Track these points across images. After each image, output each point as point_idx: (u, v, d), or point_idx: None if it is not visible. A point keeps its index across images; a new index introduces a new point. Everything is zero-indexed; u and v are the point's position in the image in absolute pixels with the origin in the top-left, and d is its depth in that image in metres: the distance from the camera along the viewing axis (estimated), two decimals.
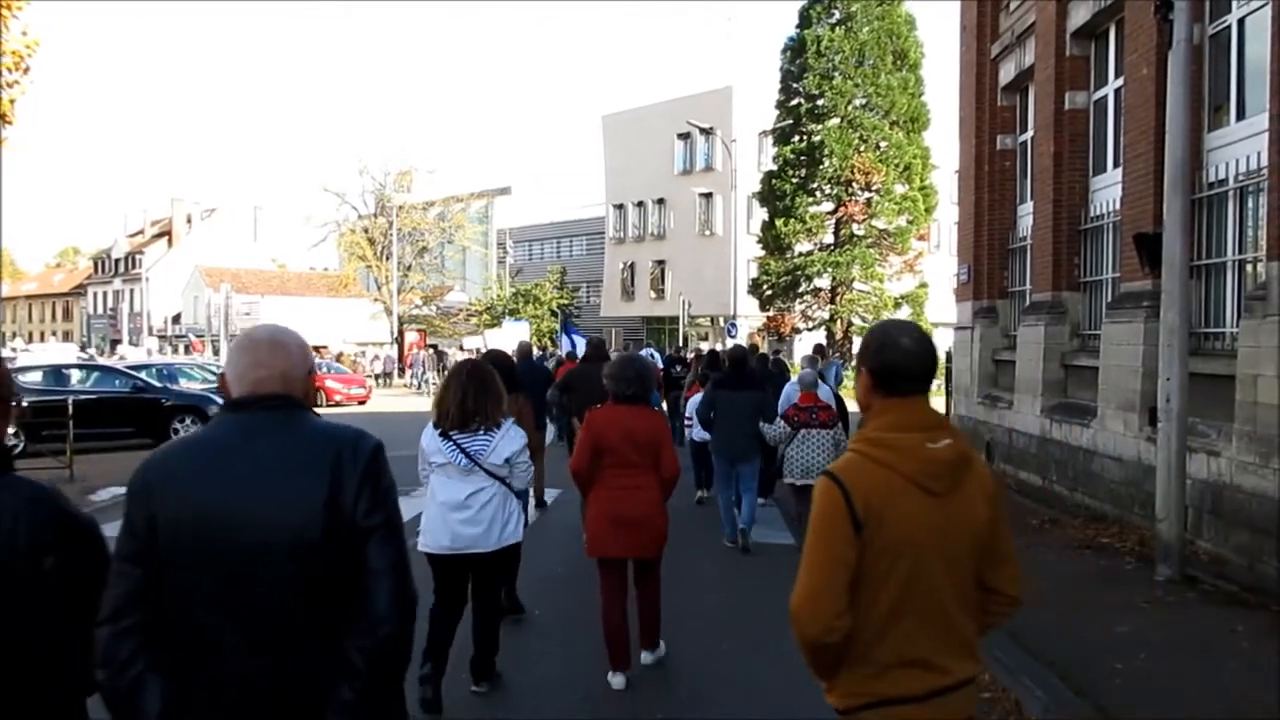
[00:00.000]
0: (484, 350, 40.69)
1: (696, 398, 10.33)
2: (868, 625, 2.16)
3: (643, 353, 14.20)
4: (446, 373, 5.76)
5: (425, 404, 23.51)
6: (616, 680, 5.18)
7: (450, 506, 4.81)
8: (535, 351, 16.40)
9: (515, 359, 8.61)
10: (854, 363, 2.50)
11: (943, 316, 32.41)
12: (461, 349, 38.37)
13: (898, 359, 2.27)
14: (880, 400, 2.30)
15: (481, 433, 4.82)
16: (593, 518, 5.27)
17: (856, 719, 2.21)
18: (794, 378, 10.66)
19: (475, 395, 4.84)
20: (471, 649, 4.99)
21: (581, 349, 22.18)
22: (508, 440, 4.86)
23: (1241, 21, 8.15)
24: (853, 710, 2.21)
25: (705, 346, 24.67)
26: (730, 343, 26.12)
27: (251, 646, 1.96)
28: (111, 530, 2.04)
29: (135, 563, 1.99)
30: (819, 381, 9.07)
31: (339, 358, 43.47)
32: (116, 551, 2.03)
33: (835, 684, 2.23)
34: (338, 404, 29.86)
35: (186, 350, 48.44)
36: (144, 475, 2.05)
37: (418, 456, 5.00)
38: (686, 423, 11.51)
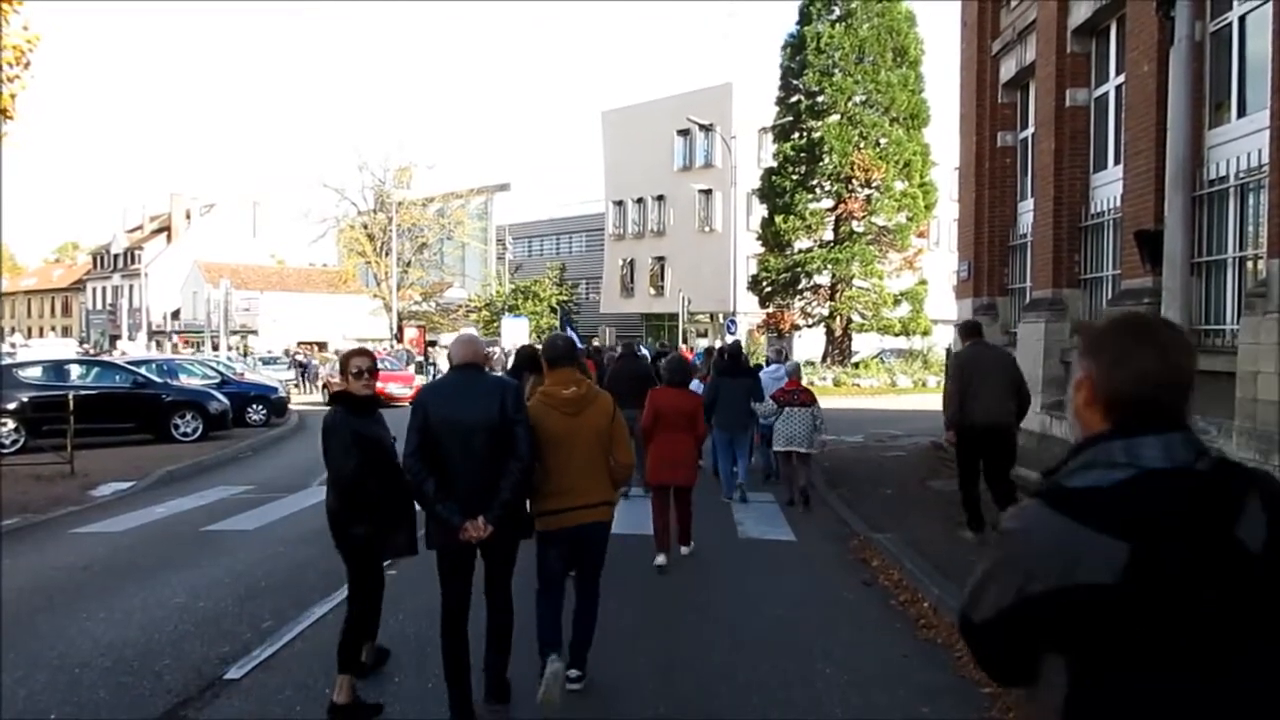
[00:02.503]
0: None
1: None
2: (543, 474, 4.74)
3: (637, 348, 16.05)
4: None
5: None
6: (660, 559, 7.70)
7: None
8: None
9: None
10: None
11: (942, 313, 32.44)
12: (432, 344, 38.42)
13: (552, 352, 5.03)
14: (549, 371, 5.00)
15: None
16: (651, 459, 7.90)
17: (539, 522, 4.81)
18: (769, 367, 12.89)
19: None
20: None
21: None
22: None
23: (1243, 19, 8.15)
24: (536, 515, 4.81)
25: (704, 343, 24.88)
26: (730, 339, 26.65)
27: (466, 467, 4.47)
28: None
29: (421, 433, 4.48)
30: (799, 370, 11.71)
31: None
32: (411, 426, 4.51)
33: (534, 503, 4.81)
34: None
35: (183, 347, 48.40)
36: (422, 395, 4.76)
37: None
38: None
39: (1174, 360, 1.55)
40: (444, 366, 36.46)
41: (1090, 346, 1.62)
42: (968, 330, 8.92)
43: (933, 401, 21.42)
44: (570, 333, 25.31)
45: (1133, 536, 1.42)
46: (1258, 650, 1.41)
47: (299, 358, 39.03)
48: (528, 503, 4.81)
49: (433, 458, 4.45)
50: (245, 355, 39.95)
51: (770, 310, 36.37)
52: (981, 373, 8.18)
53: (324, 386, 32.02)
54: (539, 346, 8.38)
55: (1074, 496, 1.49)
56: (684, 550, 8.08)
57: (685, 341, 35.81)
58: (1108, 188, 10.61)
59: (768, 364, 13.44)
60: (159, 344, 57.42)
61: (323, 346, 52.46)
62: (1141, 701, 1.41)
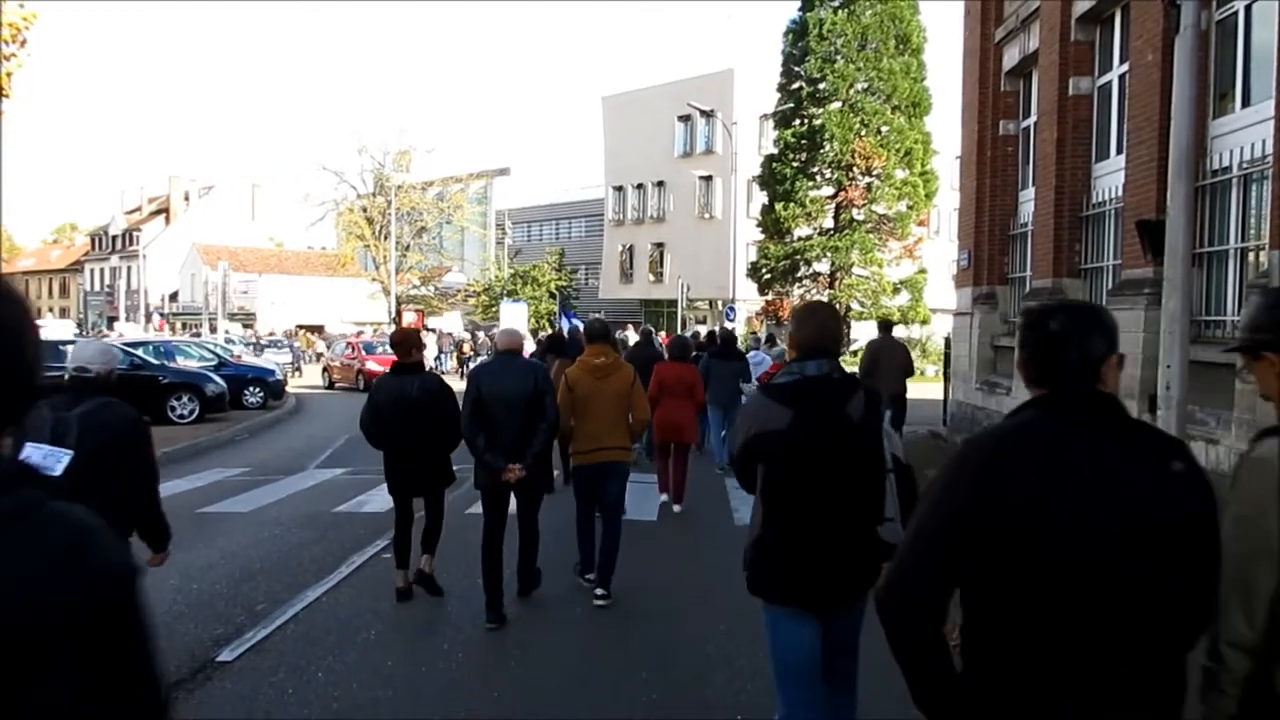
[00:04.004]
0: (443, 330, 42.48)
1: None
2: (577, 422, 6.32)
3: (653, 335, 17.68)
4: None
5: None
6: (663, 497, 9.66)
7: None
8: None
9: (570, 338, 12.73)
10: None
11: (942, 302, 32.35)
12: (427, 328, 38.47)
13: (591, 331, 6.81)
14: (588, 344, 6.62)
15: None
16: (656, 422, 9.12)
17: (573, 458, 6.60)
18: (750, 353, 14.28)
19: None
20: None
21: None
22: None
23: (1249, 8, 8.10)
24: (571, 454, 6.66)
25: (703, 330, 25.00)
26: (729, 325, 26.95)
27: (508, 426, 5.96)
28: None
29: (475, 401, 6.00)
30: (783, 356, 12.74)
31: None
32: (466, 396, 6.08)
33: (571, 444, 6.59)
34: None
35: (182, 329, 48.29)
36: (474, 374, 6.34)
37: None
38: None
39: (826, 326, 3.30)
40: (430, 353, 36.92)
41: (790, 318, 3.46)
42: (882, 325, 12.90)
43: (932, 390, 21.45)
44: (571, 318, 26.28)
45: (794, 406, 3.16)
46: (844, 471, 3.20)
47: (269, 340, 38.95)
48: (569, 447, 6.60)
49: (482, 420, 5.95)
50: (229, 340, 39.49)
51: (769, 297, 36.29)
52: (885, 357, 11.89)
53: (325, 370, 31.91)
54: (564, 334, 10.43)
55: (772, 388, 3.31)
56: (676, 509, 9.44)
57: (685, 328, 35.76)
58: (1110, 177, 10.55)
59: (750, 350, 14.64)
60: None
61: (320, 330, 52.36)
62: (790, 484, 3.18)
